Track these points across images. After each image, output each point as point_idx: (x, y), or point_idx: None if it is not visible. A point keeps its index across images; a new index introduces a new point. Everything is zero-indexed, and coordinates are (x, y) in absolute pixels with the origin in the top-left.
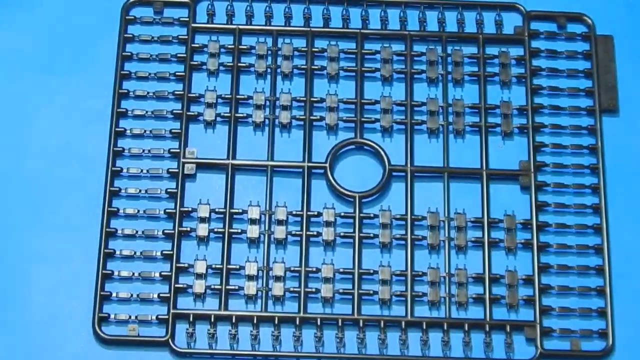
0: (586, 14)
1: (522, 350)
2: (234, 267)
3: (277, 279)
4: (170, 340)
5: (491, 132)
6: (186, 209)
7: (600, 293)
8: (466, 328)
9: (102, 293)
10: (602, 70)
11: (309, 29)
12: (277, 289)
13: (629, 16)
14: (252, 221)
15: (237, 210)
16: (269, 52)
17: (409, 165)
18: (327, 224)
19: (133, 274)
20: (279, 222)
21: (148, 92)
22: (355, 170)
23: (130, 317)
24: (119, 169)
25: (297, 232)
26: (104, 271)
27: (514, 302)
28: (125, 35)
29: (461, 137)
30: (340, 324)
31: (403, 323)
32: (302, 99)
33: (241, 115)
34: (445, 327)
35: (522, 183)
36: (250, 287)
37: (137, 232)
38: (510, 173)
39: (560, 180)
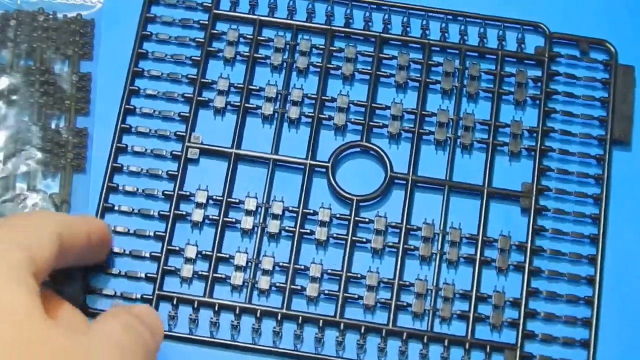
0: (609, 40)
1: None
2: (223, 255)
3: (265, 272)
4: None
5: (498, 150)
6: (184, 193)
7: (585, 324)
8: (446, 343)
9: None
10: (619, 99)
11: (329, 27)
12: (264, 282)
13: None
14: (248, 212)
15: (234, 200)
16: (287, 46)
17: (410, 174)
18: (322, 223)
19: (124, 250)
20: (274, 216)
21: (162, 73)
22: (357, 173)
23: (115, 292)
24: (124, 145)
25: (291, 228)
26: None
27: (498, 323)
28: (147, 15)
29: (467, 152)
30: (321, 324)
31: (384, 331)
32: (313, 96)
33: (251, 105)
34: (425, 340)
35: (522, 205)
36: (237, 277)
37: (133, 209)
38: (512, 193)
39: (561, 207)
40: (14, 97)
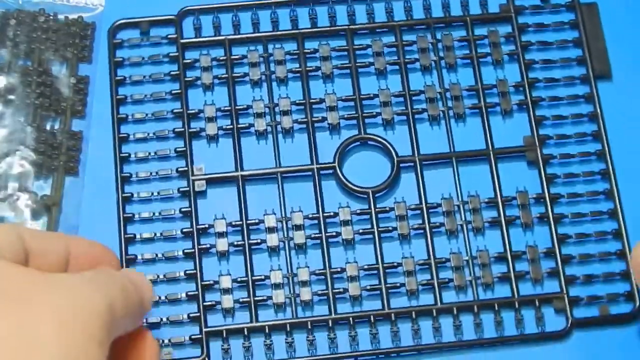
0: None
1: (552, 323)
2: (259, 277)
3: (304, 284)
4: (206, 359)
5: (491, 112)
6: (203, 226)
7: (620, 256)
8: (496, 307)
9: None
10: (591, 38)
11: (297, 31)
12: (305, 293)
13: None
14: (270, 230)
15: (253, 221)
16: (261, 59)
17: (416, 155)
18: (344, 222)
19: (160, 297)
20: (297, 227)
21: (147, 114)
22: (361, 166)
23: (163, 341)
24: (128, 194)
25: (316, 235)
26: None
27: (539, 276)
28: (115, 60)
29: (462, 120)
30: (372, 320)
31: (434, 311)
32: (301, 102)
33: (243, 125)
34: (476, 310)
35: (529, 158)
36: (279, 296)
37: (156, 255)
38: (517, 150)
39: (564, 151)
40: (11, 97)
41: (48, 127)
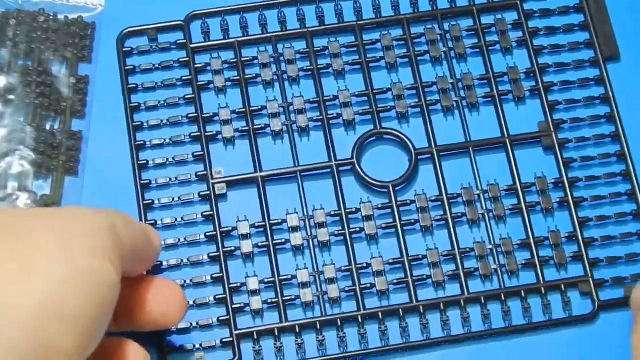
0: None
1: (578, 306)
2: (285, 277)
3: (330, 281)
4: None
5: (504, 99)
6: (227, 229)
7: None
8: (523, 294)
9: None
10: (597, 21)
11: (306, 29)
12: (333, 291)
13: None
14: (293, 229)
15: (276, 221)
16: (272, 59)
17: (433, 147)
18: (367, 218)
19: (188, 302)
20: (320, 225)
21: (162, 120)
22: (379, 160)
23: (194, 346)
24: (149, 201)
25: (340, 232)
26: None
27: (563, 260)
28: (126, 68)
29: (476, 109)
30: (401, 313)
31: (462, 301)
32: (315, 100)
33: (259, 126)
34: (503, 298)
35: (544, 144)
36: (307, 294)
37: (182, 260)
38: (532, 136)
39: (579, 135)
40: (11, 97)
41: (48, 127)
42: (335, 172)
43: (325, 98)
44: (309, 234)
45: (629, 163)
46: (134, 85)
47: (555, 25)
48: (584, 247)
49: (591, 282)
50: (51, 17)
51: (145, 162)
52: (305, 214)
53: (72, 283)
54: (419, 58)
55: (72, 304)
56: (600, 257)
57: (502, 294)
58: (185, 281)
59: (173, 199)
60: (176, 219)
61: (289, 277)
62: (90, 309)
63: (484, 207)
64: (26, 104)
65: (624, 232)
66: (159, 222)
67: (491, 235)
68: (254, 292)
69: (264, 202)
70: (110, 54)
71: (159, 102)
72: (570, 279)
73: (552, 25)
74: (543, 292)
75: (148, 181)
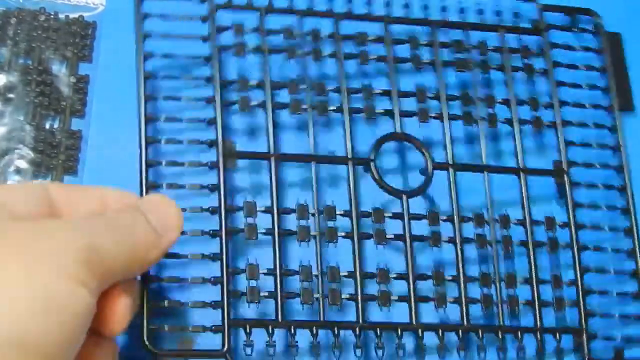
0: (594, 9)
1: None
2: (288, 270)
3: (333, 285)
4: (228, 353)
5: (522, 125)
6: (232, 207)
7: (636, 298)
8: (519, 335)
9: (151, 302)
10: (614, 68)
11: (333, 13)
12: (334, 296)
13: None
14: (302, 221)
15: (286, 209)
16: (297, 37)
17: (450, 162)
18: (377, 224)
19: (180, 277)
20: (329, 221)
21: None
22: (393, 162)
23: (182, 327)
24: (153, 161)
25: (348, 234)
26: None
27: (562, 308)
28: (143, 13)
29: (494, 129)
30: (399, 333)
31: (460, 331)
32: (338, 88)
33: (280, 103)
34: (500, 335)
35: (557, 182)
36: (307, 295)
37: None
38: (546, 172)
39: (590, 180)
40: (10, 96)
41: (47, 126)
42: (351, 170)
43: (349, 89)
44: (317, 227)
45: (632, 220)
46: (149, 34)
47: (576, 62)
48: (582, 296)
49: (584, 335)
50: (52, 16)
51: (152, 116)
52: (316, 207)
53: (35, 310)
54: (443, 66)
55: (35, 333)
56: (596, 310)
57: (499, 331)
58: (178, 253)
59: (178, 162)
60: (179, 186)
61: (291, 272)
62: (56, 337)
63: (493, 236)
64: (26, 103)
65: (620, 291)
66: (163, 186)
67: (496, 266)
68: (252, 280)
69: (273, 186)
70: (111, 53)
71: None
72: (565, 328)
73: (573, 60)
74: (539, 336)
75: (154, 139)
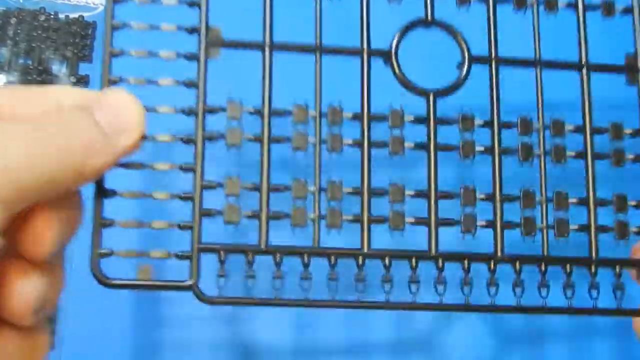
0: None
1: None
2: (276, 186)
3: (333, 202)
4: (195, 286)
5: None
6: (212, 108)
7: None
8: (568, 269)
9: (101, 221)
10: None
11: None
12: (333, 215)
13: None
14: (298, 122)
15: (279, 111)
16: None
17: (493, 56)
18: (394, 127)
19: (141, 192)
20: (333, 123)
21: None
22: (416, 56)
23: (138, 252)
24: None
25: (356, 141)
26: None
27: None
28: None
29: (553, 12)
30: (414, 263)
31: (492, 262)
32: None
33: None
34: (543, 268)
35: (629, 80)
36: (299, 215)
37: (147, 136)
38: (616, 69)
39: None
40: None
41: None
42: (365, 64)
43: None
44: (317, 134)
45: None
46: None
47: None
48: None
49: None
50: (52, 16)
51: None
52: (318, 108)
53: None
54: None
55: None
56: None
57: (543, 263)
58: (142, 164)
59: (149, 52)
60: (149, 81)
61: (281, 187)
62: None
63: (542, 148)
64: None
65: None
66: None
67: (543, 183)
68: (232, 196)
69: (266, 82)
70: None
71: None
72: (627, 260)
73: None
74: (593, 269)
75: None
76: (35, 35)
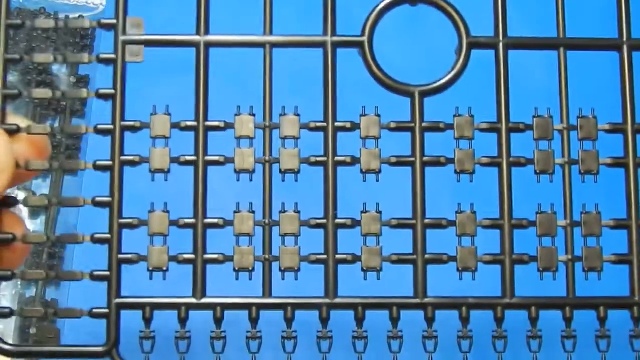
0: None
1: None
2: (211, 221)
3: (285, 239)
4: (115, 350)
5: None
6: (129, 123)
7: None
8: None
9: None
10: None
11: None
12: (287, 257)
13: None
14: (243, 139)
15: (214, 124)
16: None
17: (501, 35)
18: (367, 140)
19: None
20: (286, 138)
21: None
22: (399, 46)
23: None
24: None
25: (320, 159)
26: None
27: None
28: None
29: None
30: (394, 314)
31: (499, 308)
32: None
33: None
34: (568, 314)
35: None
36: (244, 259)
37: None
38: None
39: None
40: None
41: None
42: (330, 53)
43: None
44: (267, 153)
45: None
46: None
47: None
48: None
49: None
50: (51, 16)
51: None
52: (268, 115)
53: None
54: None
55: None
56: None
57: (567, 306)
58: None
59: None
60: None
61: (220, 221)
62: None
63: (566, 155)
64: (26, 103)
65: None
66: None
67: (568, 204)
68: (158, 235)
69: (201, 81)
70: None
71: None
72: None
73: None
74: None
75: None
76: (34, 35)
